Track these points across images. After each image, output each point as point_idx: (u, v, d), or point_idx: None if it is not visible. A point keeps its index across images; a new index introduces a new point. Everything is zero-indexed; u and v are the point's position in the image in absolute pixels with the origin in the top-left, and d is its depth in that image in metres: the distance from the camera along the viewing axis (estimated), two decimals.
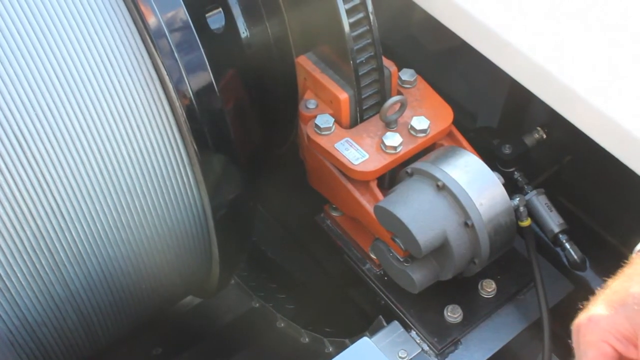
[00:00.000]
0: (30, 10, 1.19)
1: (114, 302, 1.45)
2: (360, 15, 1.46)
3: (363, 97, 1.53)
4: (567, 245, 1.65)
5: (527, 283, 1.58)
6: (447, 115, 1.54)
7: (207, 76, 1.31)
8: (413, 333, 1.54)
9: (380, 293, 1.61)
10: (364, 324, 1.69)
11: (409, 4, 1.73)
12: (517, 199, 1.57)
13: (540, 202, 1.66)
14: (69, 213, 1.27)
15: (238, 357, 1.89)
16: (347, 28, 1.44)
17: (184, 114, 1.29)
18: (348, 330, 1.76)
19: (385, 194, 1.49)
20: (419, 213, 1.39)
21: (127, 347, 1.77)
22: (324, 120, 1.53)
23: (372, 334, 1.57)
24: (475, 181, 1.42)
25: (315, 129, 1.53)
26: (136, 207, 1.34)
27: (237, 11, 1.54)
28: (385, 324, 1.59)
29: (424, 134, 1.52)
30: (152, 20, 1.25)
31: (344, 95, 1.51)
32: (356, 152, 1.50)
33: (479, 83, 1.86)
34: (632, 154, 1.42)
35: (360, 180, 1.52)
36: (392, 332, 1.55)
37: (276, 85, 1.65)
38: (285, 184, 1.89)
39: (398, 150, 1.49)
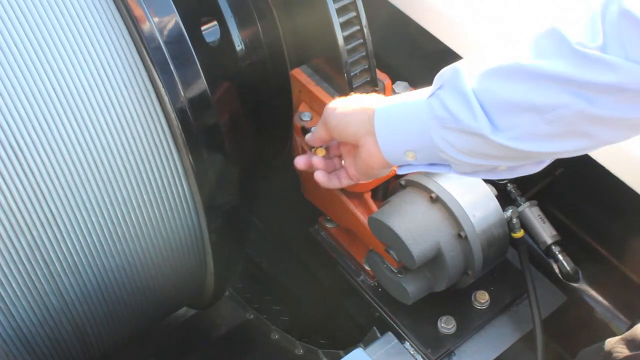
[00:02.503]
0: (28, 23, 1.20)
1: (108, 313, 1.45)
2: (355, 28, 1.47)
3: None
4: (560, 257, 1.66)
5: (520, 294, 1.59)
6: None
7: (202, 89, 1.32)
8: (407, 344, 1.54)
9: (374, 304, 1.62)
10: (358, 335, 1.69)
11: (402, 17, 1.74)
12: (510, 210, 1.58)
13: (533, 213, 1.67)
14: (64, 224, 1.27)
15: None
16: (341, 41, 1.46)
17: (180, 126, 1.30)
18: (342, 341, 1.76)
19: (379, 206, 1.50)
20: (413, 225, 1.40)
21: (121, 358, 1.77)
22: None
23: (366, 345, 1.57)
24: (468, 193, 1.43)
25: None
26: (131, 219, 1.35)
27: (232, 24, 1.56)
28: (379, 335, 1.59)
29: None
30: (148, 34, 1.26)
31: None
32: None
33: None
34: (623, 167, 1.44)
35: (354, 192, 1.53)
36: (386, 343, 1.55)
37: (271, 97, 1.66)
38: (279, 196, 1.89)
39: None
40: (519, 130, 0.97)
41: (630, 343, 1.13)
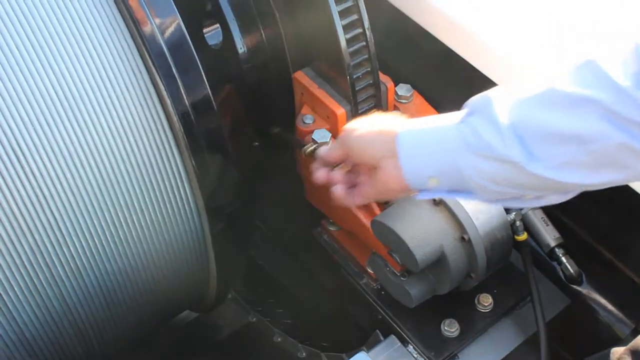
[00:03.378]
0: (30, 26, 1.20)
1: (111, 316, 1.45)
2: (357, 31, 1.47)
3: (360, 112, 1.53)
4: (564, 259, 1.65)
5: (524, 297, 1.58)
6: None
7: (204, 92, 1.31)
8: (410, 347, 1.54)
9: (377, 307, 1.61)
10: (361, 339, 1.68)
11: (405, 19, 1.74)
12: (513, 213, 1.58)
13: (536, 216, 1.66)
14: (66, 227, 1.27)
15: None
16: (343, 44, 1.45)
17: (182, 129, 1.29)
18: (345, 344, 1.75)
19: (382, 209, 1.50)
20: (416, 227, 1.40)
21: None
22: (321, 135, 1.53)
23: (369, 348, 1.57)
24: None
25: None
26: (134, 222, 1.34)
27: (234, 27, 1.55)
28: (382, 338, 1.59)
29: None
30: (150, 37, 1.26)
31: (340, 111, 1.52)
32: None
33: None
34: None
35: None
36: (389, 346, 1.55)
37: (273, 100, 1.66)
38: (282, 199, 1.89)
39: None
40: (557, 160, 0.95)
41: (635, 355, 1.12)
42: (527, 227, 1.63)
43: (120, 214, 1.32)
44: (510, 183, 1.01)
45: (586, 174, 0.96)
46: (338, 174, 1.25)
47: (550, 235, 1.65)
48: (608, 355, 1.17)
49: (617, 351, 1.16)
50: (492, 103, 0.99)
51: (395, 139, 1.09)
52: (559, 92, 0.93)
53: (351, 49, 1.47)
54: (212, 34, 1.51)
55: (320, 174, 1.27)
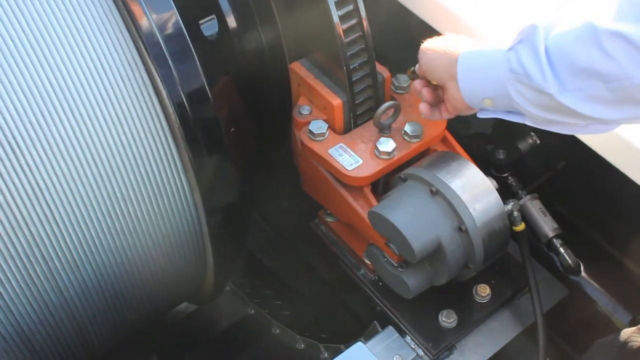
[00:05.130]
0: (25, 18, 1.20)
1: (108, 309, 1.45)
2: (354, 21, 1.46)
3: (357, 102, 1.53)
4: (561, 250, 1.65)
5: (522, 288, 1.58)
6: (440, 121, 1.55)
7: (200, 83, 1.31)
8: (408, 338, 1.54)
9: (375, 298, 1.61)
10: (359, 330, 1.69)
11: (402, 9, 1.73)
12: (511, 203, 1.57)
13: (534, 206, 1.66)
14: (63, 220, 1.27)
15: None
16: (340, 34, 1.45)
17: (178, 121, 1.29)
18: (343, 336, 1.76)
19: (379, 200, 1.49)
20: (413, 218, 1.40)
21: (122, 355, 1.77)
22: (318, 126, 1.53)
23: (367, 339, 1.57)
24: (469, 186, 1.42)
25: (309, 134, 1.54)
26: (130, 214, 1.34)
27: (230, 18, 1.55)
28: (380, 329, 1.59)
29: (417, 140, 1.52)
30: (145, 28, 1.25)
31: (337, 101, 1.52)
32: (350, 158, 1.50)
33: None
34: (626, 159, 1.43)
35: (354, 186, 1.52)
36: (387, 337, 1.55)
37: (270, 91, 1.66)
38: (279, 190, 1.89)
39: (392, 155, 1.50)
40: (583, 94, 1.01)
41: None
42: (525, 217, 1.63)
43: (116, 207, 1.32)
44: (548, 109, 1.08)
45: (608, 109, 1.01)
46: (426, 92, 1.35)
47: (548, 226, 1.65)
48: (618, 337, 1.18)
49: (627, 331, 1.17)
50: (537, 32, 1.04)
51: (456, 61, 1.19)
52: (593, 26, 0.96)
53: (348, 39, 1.46)
54: (208, 25, 1.51)
55: (416, 84, 1.37)
